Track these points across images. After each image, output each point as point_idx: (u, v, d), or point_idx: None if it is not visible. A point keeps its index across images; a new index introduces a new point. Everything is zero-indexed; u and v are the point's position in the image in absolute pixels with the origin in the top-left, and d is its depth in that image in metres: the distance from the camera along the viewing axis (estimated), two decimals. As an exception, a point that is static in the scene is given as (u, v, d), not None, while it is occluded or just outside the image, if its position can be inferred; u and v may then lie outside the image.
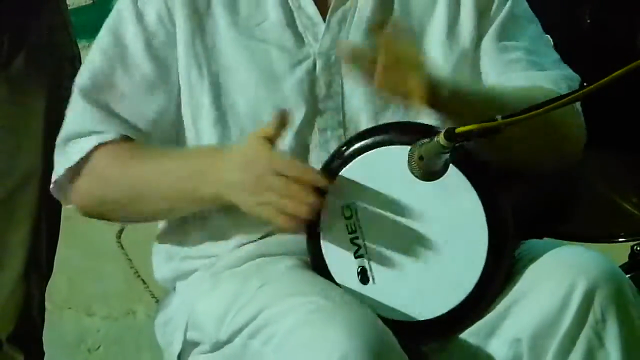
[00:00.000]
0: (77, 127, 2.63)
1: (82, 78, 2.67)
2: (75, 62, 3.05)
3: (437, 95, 2.40)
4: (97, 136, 2.60)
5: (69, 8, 3.59)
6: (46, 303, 3.04)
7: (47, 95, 2.97)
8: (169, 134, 2.64)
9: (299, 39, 2.63)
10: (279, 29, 2.62)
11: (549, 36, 2.72)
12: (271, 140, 2.45)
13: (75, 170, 2.62)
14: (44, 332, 3.05)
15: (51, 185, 2.66)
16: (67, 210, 2.71)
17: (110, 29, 2.68)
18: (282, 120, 2.45)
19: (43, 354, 3.04)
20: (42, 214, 2.98)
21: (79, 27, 3.83)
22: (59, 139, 2.66)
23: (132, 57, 2.65)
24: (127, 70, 2.64)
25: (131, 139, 2.62)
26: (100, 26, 3.94)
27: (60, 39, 3.05)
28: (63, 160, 2.62)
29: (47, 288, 3.04)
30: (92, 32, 4.01)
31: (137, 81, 2.64)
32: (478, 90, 2.56)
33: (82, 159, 2.61)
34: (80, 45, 3.32)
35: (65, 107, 2.94)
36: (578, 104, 2.64)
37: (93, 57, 2.68)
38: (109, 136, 2.61)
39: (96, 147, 2.61)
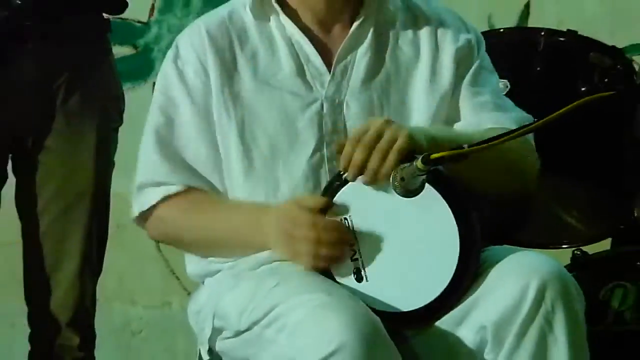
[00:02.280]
0: (148, 178, 2.65)
1: (149, 131, 2.67)
2: (120, 102, 3.08)
3: (418, 147, 2.44)
4: (164, 188, 2.64)
5: (116, 57, 3.51)
6: (98, 295, 3.06)
7: (97, 127, 2.98)
8: (219, 174, 2.65)
9: (308, 86, 2.64)
10: (291, 78, 2.64)
11: (506, 80, 2.77)
12: (301, 205, 2.51)
13: (147, 214, 2.66)
14: (96, 319, 3.06)
15: (132, 218, 2.67)
16: (118, 220, 2.74)
17: (161, 89, 2.69)
18: (315, 200, 2.52)
19: (95, 336, 3.03)
20: (93, 225, 2.99)
21: (125, 73, 3.82)
22: (135, 185, 2.67)
23: (181, 110, 2.65)
24: (180, 122, 2.66)
25: (194, 187, 2.65)
26: (142, 73, 4.03)
27: (108, 82, 3.05)
28: (137, 205, 2.66)
29: (98, 283, 3.07)
30: (135, 77, 4.01)
31: (190, 130, 2.65)
32: (450, 135, 2.56)
33: (152, 206, 2.64)
34: (125, 88, 3.30)
35: (111, 138, 3.02)
36: (533, 142, 2.66)
37: (153, 114, 2.68)
38: (174, 188, 2.64)
39: (164, 198, 2.64)
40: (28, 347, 2.99)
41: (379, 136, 2.44)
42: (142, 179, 2.67)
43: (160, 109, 2.68)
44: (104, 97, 3.00)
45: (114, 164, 3.03)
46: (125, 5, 3.02)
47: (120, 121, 3.05)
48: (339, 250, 2.50)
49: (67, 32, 2.89)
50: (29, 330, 3.01)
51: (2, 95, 2.87)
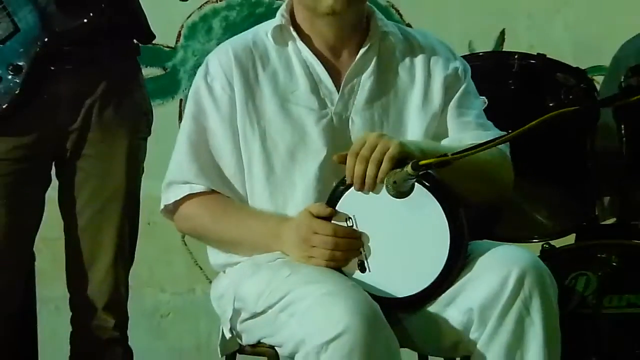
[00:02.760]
0: (176, 176, 2.65)
1: (182, 136, 2.67)
2: (148, 116, 3.04)
3: (409, 155, 2.42)
4: (189, 186, 2.63)
5: (147, 77, 3.55)
6: (131, 283, 3.03)
7: (128, 138, 2.94)
8: (241, 177, 2.64)
9: (321, 102, 2.63)
10: (306, 95, 2.64)
11: (484, 97, 2.73)
12: (314, 214, 2.51)
13: (173, 208, 2.65)
14: (130, 303, 3.03)
15: (160, 210, 2.68)
16: (149, 218, 2.73)
17: (193, 100, 2.68)
18: (324, 209, 2.51)
19: (127, 318, 3.00)
20: (125, 222, 2.96)
21: (155, 90, 3.92)
22: (165, 181, 2.66)
23: (210, 119, 2.65)
24: (209, 129, 2.65)
25: (218, 197, 2.63)
26: (170, 91, 4.01)
27: (138, 97, 3.01)
28: (164, 199, 2.66)
29: (131, 273, 3.04)
30: (164, 94, 3.96)
31: (217, 137, 2.64)
32: (435, 147, 2.54)
33: (176, 201, 2.64)
34: (155, 104, 3.34)
35: (141, 147, 2.99)
36: (508, 153, 2.64)
37: (186, 121, 2.68)
38: (198, 187, 2.63)
39: (189, 196, 2.63)
40: (70, 329, 2.98)
41: (373, 148, 2.44)
42: (171, 177, 2.67)
43: (193, 117, 2.67)
44: (134, 112, 2.97)
45: (143, 170, 3.01)
46: (153, 36, 3.00)
47: (148, 132, 3.03)
48: (352, 254, 2.51)
49: (102, 55, 2.87)
50: (70, 314, 3.01)
51: (45, 109, 2.85)
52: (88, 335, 2.93)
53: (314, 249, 2.50)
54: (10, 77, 2.81)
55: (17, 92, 2.80)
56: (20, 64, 2.80)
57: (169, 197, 2.66)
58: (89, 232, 2.92)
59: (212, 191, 2.65)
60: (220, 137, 2.65)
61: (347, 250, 2.50)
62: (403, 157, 2.43)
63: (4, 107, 2.80)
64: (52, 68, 2.83)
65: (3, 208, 2.84)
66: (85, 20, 2.80)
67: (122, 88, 2.93)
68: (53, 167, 2.98)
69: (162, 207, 2.68)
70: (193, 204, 2.65)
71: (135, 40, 2.98)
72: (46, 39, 2.80)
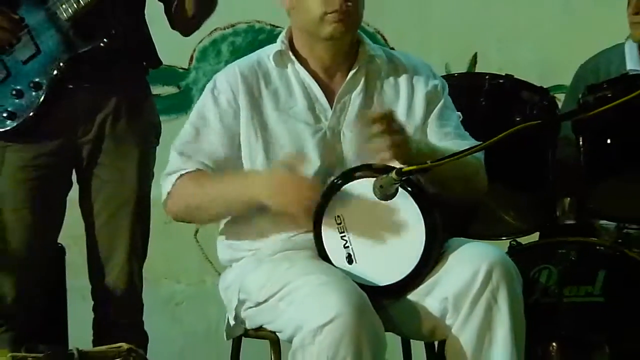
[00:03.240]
0: (171, 168, 2.63)
1: (177, 140, 2.66)
2: (157, 127, 3.00)
3: (408, 153, 2.46)
4: (181, 171, 2.61)
5: (164, 94, 3.69)
6: (150, 275, 3.00)
7: (139, 147, 2.91)
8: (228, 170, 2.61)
9: (316, 118, 2.64)
10: (304, 111, 2.64)
11: (460, 113, 2.72)
12: (289, 166, 2.51)
13: (171, 194, 2.63)
14: (148, 293, 3.00)
15: (162, 201, 2.66)
16: (165, 219, 2.69)
17: (198, 110, 2.68)
18: (297, 156, 2.53)
19: (142, 306, 2.96)
20: (137, 222, 2.92)
21: (170, 106, 3.92)
22: (163, 174, 2.65)
23: (211, 125, 2.64)
24: (206, 133, 2.63)
25: (203, 171, 2.61)
26: (184, 107, 3.99)
27: (148, 112, 2.97)
28: (164, 188, 2.64)
29: (151, 266, 3.02)
30: (178, 109, 3.93)
31: (212, 139, 2.63)
32: (430, 148, 2.55)
33: (173, 186, 2.62)
34: (170, 118, 3.38)
35: (151, 156, 2.95)
36: (483, 161, 2.63)
37: (186, 127, 2.67)
38: (188, 167, 2.61)
39: (180, 176, 2.61)
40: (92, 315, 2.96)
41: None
42: (167, 170, 2.66)
43: (192, 124, 2.67)
44: (144, 125, 2.94)
45: (153, 175, 2.96)
46: (160, 62, 2.97)
47: (157, 142, 2.99)
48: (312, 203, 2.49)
49: (115, 75, 2.85)
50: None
51: (63, 122, 2.82)
52: (108, 321, 2.91)
53: (289, 194, 2.49)
54: (31, 93, 2.79)
55: (37, 105, 2.78)
56: (41, 81, 2.78)
57: (167, 186, 2.64)
58: (105, 233, 2.89)
59: (199, 170, 2.63)
60: (219, 141, 2.64)
61: (309, 193, 2.49)
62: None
63: (26, 118, 2.78)
64: (70, 86, 2.81)
65: (28, 210, 2.82)
66: (101, 44, 2.78)
67: (133, 104, 2.89)
68: (74, 173, 2.95)
69: (164, 197, 2.65)
70: (182, 182, 2.63)
71: (144, 63, 2.94)
72: (65, 60, 2.78)
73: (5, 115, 2.78)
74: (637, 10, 3.19)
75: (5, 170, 2.81)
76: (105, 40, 2.78)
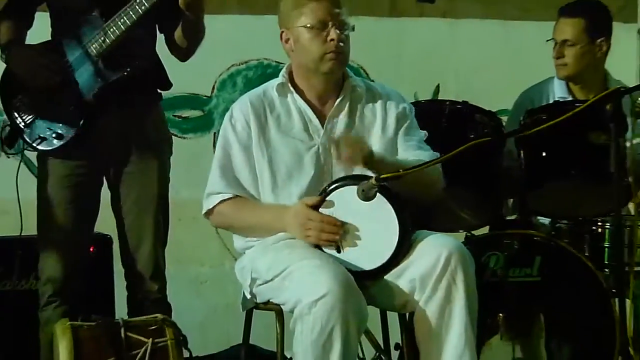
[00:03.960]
0: (212, 189, 2.63)
1: (215, 163, 2.64)
2: (170, 140, 2.92)
3: (372, 162, 2.48)
4: (221, 195, 2.61)
5: (191, 117, 3.67)
6: (180, 259, 2.97)
7: (158, 158, 2.85)
8: (255, 188, 2.61)
9: (310, 136, 2.63)
10: (301, 132, 2.64)
11: (425, 131, 2.72)
12: (309, 205, 2.50)
13: (211, 211, 2.63)
14: (177, 274, 2.97)
15: (203, 212, 2.65)
16: (193, 215, 2.68)
17: (222, 135, 2.66)
18: (314, 200, 2.51)
19: (166, 283, 2.88)
20: (160, 218, 2.85)
21: (195, 127, 3.92)
22: (205, 192, 2.64)
23: (233, 148, 2.63)
24: (236, 159, 2.63)
25: (240, 196, 2.61)
26: (207, 127, 3.94)
27: (163, 130, 2.91)
28: (205, 206, 2.64)
29: (179, 252, 2.99)
30: (202, 129, 3.90)
31: (237, 162, 2.62)
32: (389, 160, 2.55)
33: (214, 206, 2.62)
34: (196, 136, 3.39)
35: (167, 163, 2.88)
36: (441, 170, 2.62)
37: (217, 150, 2.65)
38: (227, 195, 2.61)
39: (221, 201, 2.61)
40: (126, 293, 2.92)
41: (358, 141, 2.54)
42: (208, 190, 2.65)
43: (222, 147, 2.66)
44: (160, 140, 2.89)
45: (169, 180, 2.90)
46: (171, 85, 2.90)
47: (171, 152, 2.92)
48: (334, 236, 2.49)
49: (137, 99, 2.79)
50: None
51: (96, 140, 2.77)
52: (139, 297, 2.85)
53: (309, 231, 2.49)
54: (73, 117, 2.74)
55: (78, 127, 2.74)
56: (80, 108, 2.74)
57: (209, 204, 2.64)
58: (134, 228, 2.83)
59: (236, 196, 2.62)
60: (240, 161, 2.64)
61: (330, 233, 2.49)
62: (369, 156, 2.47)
63: (69, 138, 2.74)
64: (102, 110, 2.75)
65: (71, 209, 2.78)
66: (125, 74, 2.73)
67: (151, 123, 2.84)
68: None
69: (204, 211, 2.65)
70: (224, 205, 2.63)
71: (158, 90, 2.89)
72: (98, 89, 2.73)
73: (54, 136, 2.74)
74: (558, 55, 3.20)
75: (52, 179, 2.78)
76: (128, 69, 2.73)
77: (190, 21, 2.73)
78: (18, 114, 2.76)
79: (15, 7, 2.78)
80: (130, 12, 2.65)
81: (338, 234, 2.48)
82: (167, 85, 2.88)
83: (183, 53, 2.83)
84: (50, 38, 2.80)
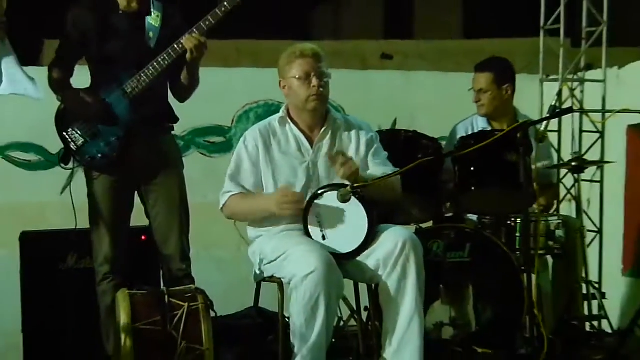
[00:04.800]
0: (226, 189, 2.60)
1: (228, 172, 2.60)
2: (181, 159, 2.84)
3: (356, 174, 2.46)
4: (230, 193, 2.59)
5: (215, 142, 3.67)
6: (206, 244, 2.90)
7: (176, 172, 2.79)
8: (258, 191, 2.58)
9: (303, 155, 2.60)
10: (296, 152, 2.60)
11: (387, 152, 2.69)
12: (285, 191, 2.48)
13: (223, 206, 2.60)
14: (204, 256, 2.89)
15: (220, 208, 2.60)
16: (218, 213, 2.65)
17: (236, 154, 2.63)
18: (289, 186, 2.50)
19: (190, 262, 2.78)
20: (183, 216, 2.76)
21: (219, 149, 3.96)
22: (220, 193, 2.59)
23: (245, 164, 2.60)
24: (244, 169, 2.60)
25: (244, 193, 2.59)
26: (228, 149, 3.87)
27: (176, 152, 2.85)
28: (221, 201, 2.61)
29: (204, 239, 2.92)
30: (224, 151, 3.93)
31: (246, 169, 2.60)
32: (366, 174, 2.54)
33: (227, 201, 2.59)
34: (218, 156, 3.43)
35: (182, 175, 2.78)
36: (400, 180, 2.60)
37: (231, 164, 2.62)
38: (236, 191, 2.59)
39: (232, 195, 2.58)
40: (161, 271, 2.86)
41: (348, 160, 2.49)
42: (223, 190, 2.63)
43: (234, 162, 2.65)
44: (175, 159, 2.83)
45: (185, 186, 2.81)
46: (177, 119, 2.82)
47: (183, 167, 2.83)
48: (299, 211, 2.46)
49: (155, 132, 2.75)
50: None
51: (132, 159, 2.71)
52: (171, 273, 2.80)
53: (284, 206, 2.47)
54: (115, 143, 2.72)
55: (118, 150, 2.71)
56: (119, 135, 2.71)
57: (222, 200, 2.62)
58: (162, 226, 2.78)
59: (242, 193, 2.60)
60: (249, 172, 2.62)
61: (297, 208, 2.46)
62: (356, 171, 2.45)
63: (112, 158, 2.71)
64: (134, 137, 2.72)
65: (111, 211, 2.74)
66: (149, 107, 2.70)
67: (167, 148, 2.81)
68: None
69: (220, 207, 2.64)
70: (231, 199, 2.61)
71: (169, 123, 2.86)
72: (132, 121, 2.69)
73: (100, 156, 2.70)
74: (477, 99, 3.20)
75: (98, 190, 2.73)
76: (151, 104, 2.69)
77: (191, 73, 2.72)
78: (71, 140, 2.72)
79: (62, 61, 2.75)
80: (161, 62, 2.63)
81: (301, 204, 2.43)
82: (175, 119, 2.81)
83: (181, 97, 2.80)
84: (87, 85, 2.74)
